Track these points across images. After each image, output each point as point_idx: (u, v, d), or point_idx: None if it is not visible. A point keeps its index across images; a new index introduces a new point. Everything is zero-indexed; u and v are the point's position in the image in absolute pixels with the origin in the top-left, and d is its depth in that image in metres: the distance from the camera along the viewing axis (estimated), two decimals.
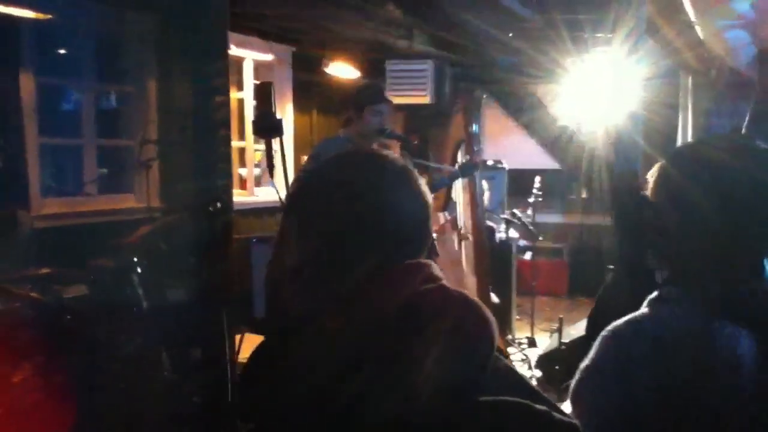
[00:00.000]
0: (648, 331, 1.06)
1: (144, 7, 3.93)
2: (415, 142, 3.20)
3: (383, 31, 4.60)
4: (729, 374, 1.00)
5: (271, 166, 2.03)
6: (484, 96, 5.13)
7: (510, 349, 4.65)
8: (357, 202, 0.89)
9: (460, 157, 3.83)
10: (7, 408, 2.39)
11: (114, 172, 4.25)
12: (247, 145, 5.18)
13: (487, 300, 3.66)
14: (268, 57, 5.22)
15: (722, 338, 1.01)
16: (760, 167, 1.07)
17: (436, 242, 3.16)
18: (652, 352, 1.04)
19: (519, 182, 5.78)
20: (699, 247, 1.07)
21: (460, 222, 4.12)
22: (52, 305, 2.87)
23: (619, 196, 2.97)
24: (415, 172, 0.95)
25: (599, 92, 4.61)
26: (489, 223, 4.68)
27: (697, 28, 3.11)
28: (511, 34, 4.52)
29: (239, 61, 5.05)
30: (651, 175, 1.24)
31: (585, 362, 1.10)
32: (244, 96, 5.10)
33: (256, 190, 5.23)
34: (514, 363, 4.50)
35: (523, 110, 6.18)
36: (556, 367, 3.95)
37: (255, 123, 2.05)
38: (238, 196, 5.07)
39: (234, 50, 4.82)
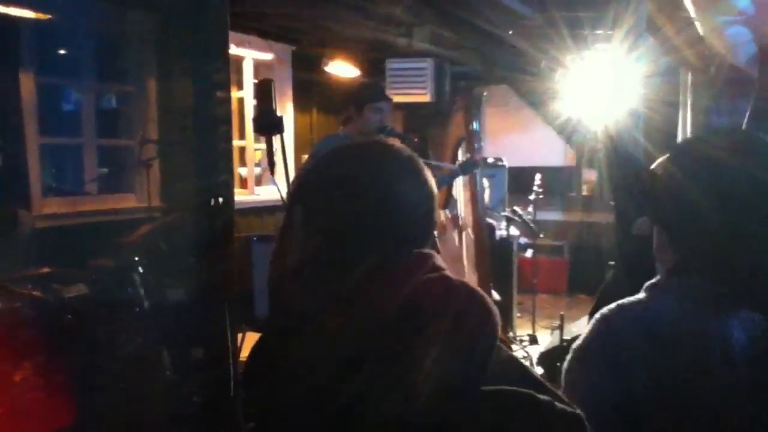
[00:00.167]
0: (638, 316, 1.07)
1: (143, 7, 3.93)
2: (415, 140, 3.20)
3: (383, 29, 4.60)
4: (718, 365, 1.00)
5: (272, 164, 2.02)
6: (485, 93, 5.12)
7: (512, 347, 4.65)
8: (360, 198, 0.89)
9: (461, 155, 3.83)
10: (8, 407, 2.39)
11: (114, 171, 4.26)
12: (248, 144, 5.18)
13: (489, 298, 3.66)
14: (268, 56, 5.22)
15: (714, 330, 1.02)
16: (759, 164, 1.07)
17: (437, 240, 3.15)
18: (641, 338, 1.04)
19: (519, 180, 5.77)
20: (698, 244, 1.07)
21: (461, 220, 4.12)
22: (52, 304, 2.87)
23: (620, 194, 2.97)
24: (420, 160, 0.95)
25: (599, 90, 4.61)
26: (489, 220, 4.67)
27: (697, 25, 3.11)
28: (511, 32, 4.52)
29: (239, 61, 5.05)
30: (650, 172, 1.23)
31: (577, 343, 1.11)
32: (244, 95, 5.10)
33: (257, 189, 5.23)
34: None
35: (542, 103, 6.17)
36: (558, 364, 3.94)
37: (255, 120, 2.05)
38: (239, 195, 5.07)
39: (234, 49, 4.82)
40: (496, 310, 0.84)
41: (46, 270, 2.98)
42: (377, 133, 3.00)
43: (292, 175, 2.24)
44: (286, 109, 5.39)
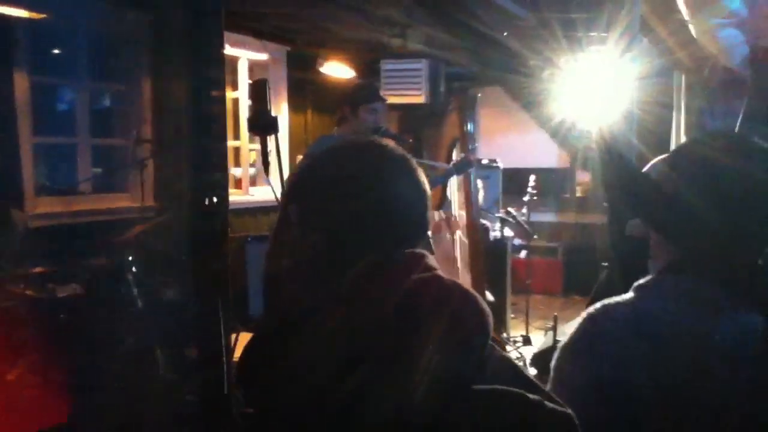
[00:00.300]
0: (626, 314, 1.08)
1: (138, 6, 3.92)
2: (410, 141, 3.20)
3: (377, 30, 4.61)
4: (712, 365, 1.01)
5: (266, 164, 2.03)
6: (479, 94, 5.14)
7: (505, 347, 4.66)
8: (355, 198, 0.89)
9: (455, 156, 3.83)
10: (2, 404, 2.39)
11: (109, 171, 4.25)
12: (242, 144, 5.18)
13: (483, 299, 3.67)
14: (263, 56, 5.22)
15: (708, 329, 1.02)
16: (755, 166, 1.07)
17: (431, 240, 3.16)
18: (628, 336, 1.05)
19: (514, 181, 5.79)
20: (694, 245, 1.08)
21: (455, 221, 4.13)
22: (46, 303, 2.87)
23: (614, 196, 2.98)
24: (414, 160, 0.95)
25: (593, 92, 4.63)
26: (484, 221, 4.68)
27: (691, 27, 3.13)
28: (505, 33, 4.53)
29: (234, 61, 5.05)
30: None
31: (563, 341, 1.12)
32: (239, 95, 5.10)
33: (251, 189, 5.23)
34: None
35: (536, 105, 6.19)
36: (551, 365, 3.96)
37: (250, 120, 2.05)
38: (234, 196, 5.06)
39: (229, 50, 4.82)
40: (488, 310, 0.85)
41: (39, 269, 2.98)
42: (372, 133, 3.00)
43: (286, 176, 2.24)
44: (281, 110, 5.39)
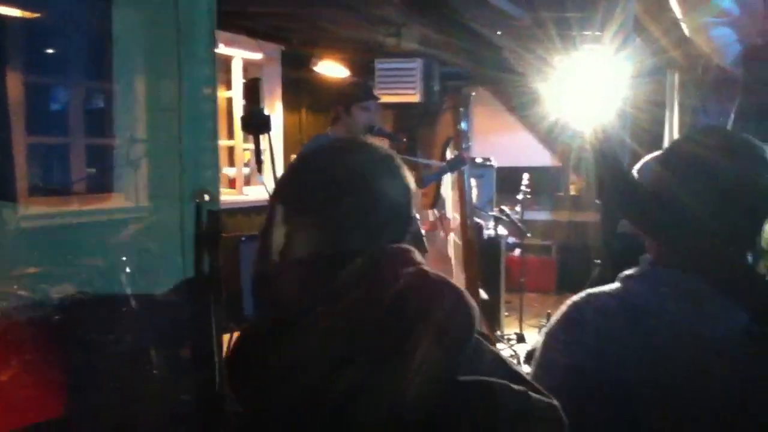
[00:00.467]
0: (608, 303, 1.09)
1: (132, 5, 3.91)
2: (404, 140, 3.22)
3: (372, 29, 4.61)
4: (693, 356, 1.02)
5: (259, 163, 2.03)
6: (473, 94, 5.15)
7: (499, 345, 4.67)
8: (340, 196, 0.90)
9: (449, 155, 3.84)
10: None
11: (103, 170, 4.24)
12: (236, 143, 5.18)
13: (476, 296, 3.68)
14: (257, 56, 5.22)
15: (692, 322, 1.03)
16: (746, 163, 1.08)
17: (425, 239, 3.17)
18: (610, 325, 1.06)
19: (508, 180, 5.80)
20: (682, 239, 1.09)
21: (449, 220, 4.14)
22: (39, 304, 2.86)
23: (606, 194, 2.99)
24: (398, 157, 0.96)
25: (587, 90, 4.64)
26: (477, 220, 4.70)
27: (683, 26, 3.14)
28: (499, 32, 4.54)
29: (228, 60, 5.05)
30: (637, 171, 1.25)
31: (545, 329, 1.14)
32: (233, 95, 5.09)
33: (245, 189, 5.23)
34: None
35: (528, 104, 6.20)
36: None
37: (243, 119, 2.05)
38: (228, 195, 5.06)
39: (223, 49, 4.81)
40: (474, 304, 0.86)
41: (32, 269, 2.96)
42: (366, 132, 3.01)
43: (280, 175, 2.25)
44: (275, 109, 5.39)
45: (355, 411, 0.79)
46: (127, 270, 3.28)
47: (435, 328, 0.82)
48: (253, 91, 1.86)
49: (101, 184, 4.17)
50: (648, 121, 4.37)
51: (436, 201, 4.12)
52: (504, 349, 4.69)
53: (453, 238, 4.12)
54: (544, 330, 1.16)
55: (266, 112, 1.87)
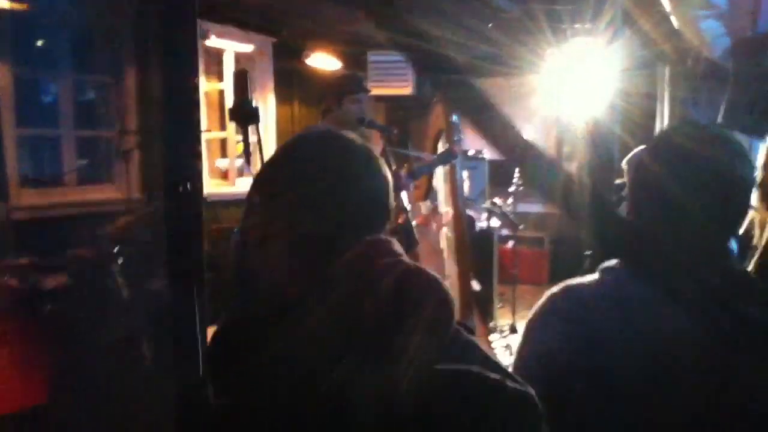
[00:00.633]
0: (585, 293, 1.11)
1: None
2: (395, 132, 3.22)
3: (363, 22, 4.60)
4: (665, 347, 1.03)
5: (248, 154, 2.04)
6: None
7: (492, 336, 4.69)
8: (319, 189, 0.91)
9: (441, 147, 3.85)
10: None
11: (94, 162, 4.24)
12: (228, 135, 5.17)
13: (467, 288, 3.70)
14: (249, 48, 5.21)
15: (663, 314, 1.05)
16: (727, 157, 1.10)
17: (415, 232, 3.18)
18: (582, 314, 1.08)
19: (500, 172, 5.82)
20: (661, 230, 1.10)
21: (441, 211, 4.15)
22: (30, 294, 2.87)
23: (595, 186, 3.01)
24: (373, 150, 0.97)
25: (579, 82, 4.65)
26: (470, 212, 4.71)
27: (673, 19, 3.15)
28: (490, 25, 4.55)
29: (219, 53, 5.04)
30: (626, 162, 1.27)
31: (527, 319, 1.16)
32: (225, 87, 5.08)
33: (238, 180, 5.23)
34: (496, 350, 4.55)
35: (517, 97, 6.18)
36: None
37: (231, 111, 2.06)
38: (220, 187, 5.06)
39: (214, 41, 4.81)
40: (451, 295, 0.87)
41: (24, 260, 2.97)
42: (356, 124, 3.01)
43: None
44: (267, 101, 5.39)
45: (347, 403, 0.80)
46: (120, 261, 3.29)
47: (423, 320, 0.83)
48: (241, 83, 1.87)
49: (93, 176, 4.17)
50: (639, 114, 4.39)
51: (428, 193, 4.12)
52: (497, 340, 4.71)
53: (445, 231, 4.14)
54: (526, 323, 1.17)
55: (254, 103, 1.88)
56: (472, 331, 0.93)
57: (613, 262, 1.15)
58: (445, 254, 4.14)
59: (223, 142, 5.21)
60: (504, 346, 4.61)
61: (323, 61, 5.51)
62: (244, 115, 1.87)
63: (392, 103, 6.43)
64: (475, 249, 4.22)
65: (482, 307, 4.64)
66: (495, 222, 5.25)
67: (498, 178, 5.85)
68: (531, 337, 1.13)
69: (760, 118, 2.59)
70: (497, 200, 5.09)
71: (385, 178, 0.96)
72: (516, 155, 1.04)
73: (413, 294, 0.85)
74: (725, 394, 1.02)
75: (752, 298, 1.06)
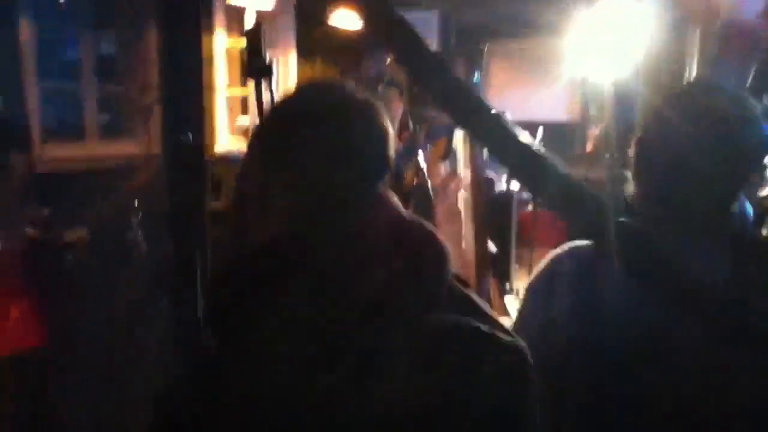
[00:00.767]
0: (586, 255, 1.10)
1: None
2: (414, 91, 3.19)
3: None
4: (658, 305, 1.02)
5: (260, 110, 2.03)
6: (486, 46, 5.07)
7: (508, 298, 4.70)
8: (317, 136, 0.90)
9: None
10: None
11: (115, 117, 4.27)
12: (249, 93, 5.15)
13: (484, 250, 3.70)
14: (270, 5, 5.15)
15: (665, 269, 1.04)
16: (743, 119, 1.07)
17: (432, 193, 3.17)
18: (586, 275, 1.07)
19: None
20: (657, 191, 1.09)
21: (460, 172, 4.13)
22: (52, 245, 2.94)
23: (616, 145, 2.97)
24: (377, 102, 0.96)
25: (607, 43, 4.54)
26: (490, 173, 4.67)
27: None
28: None
29: (241, 11, 4.99)
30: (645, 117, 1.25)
31: (529, 280, 1.15)
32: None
33: None
34: (511, 312, 4.57)
35: (543, 59, 6.05)
36: None
37: (245, 66, 2.05)
38: (241, 145, 5.07)
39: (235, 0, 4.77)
40: (448, 249, 0.87)
41: (45, 212, 3.03)
42: (375, 84, 2.99)
43: None
44: (288, 60, 5.35)
45: (332, 351, 0.80)
46: (139, 215, 3.34)
47: (415, 271, 0.84)
48: (254, 38, 1.85)
49: (114, 131, 4.21)
50: (668, 75, 4.28)
51: (447, 154, 4.10)
52: (513, 302, 4.72)
53: (463, 193, 4.12)
54: (528, 284, 1.17)
55: (268, 58, 1.87)
56: (466, 284, 0.93)
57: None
58: (463, 216, 4.12)
59: (244, 100, 5.20)
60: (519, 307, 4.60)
61: (346, 20, 5.44)
62: (257, 69, 1.86)
63: None
64: (493, 211, 4.19)
65: (499, 269, 4.63)
66: (515, 185, 5.19)
67: None
68: (533, 302, 1.12)
69: None
70: None
71: (384, 128, 0.95)
72: (518, 167, 1.02)
73: (407, 245, 0.85)
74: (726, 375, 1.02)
75: (760, 269, 1.05)
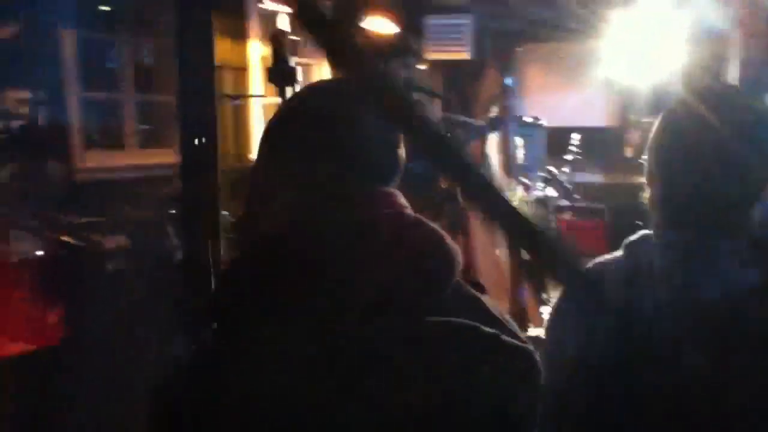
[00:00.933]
0: (611, 270, 1.07)
1: None
2: (440, 96, 3.17)
3: None
4: (691, 316, 0.99)
5: None
6: (520, 50, 5.02)
7: (544, 308, 4.63)
8: (327, 136, 0.89)
9: (494, 112, 3.78)
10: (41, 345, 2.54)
11: (154, 126, 4.36)
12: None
13: (518, 259, 3.66)
14: None
15: (686, 283, 1.01)
16: (755, 122, 1.04)
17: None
18: (613, 291, 1.04)
19: (560, 140, 5.67)
20: (704, 189, 1.06)
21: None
22: (91, 252, 3.01)
23: None
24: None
25: (646, 47, 4.45)
26: (524, 180, 4.62)
27: None
28: None
29: (272, 16, 5.04)
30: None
31: (556, 299, 1.13)
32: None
33: None
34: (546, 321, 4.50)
35: (579, 63, 5.98)
36: None
37: (269, 71, 2.07)
38: None
39: (267, 4, 4.81)
40: (455, 249, 0.85)
41: (84, 220, 3.11)
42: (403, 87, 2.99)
43: None
44: (321, 66, 5.38)
45: (333, 349, 0.79)
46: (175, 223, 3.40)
47: (419, 272, 0.83)
48: (279, 44, 1.87)
49: (153, 140, 4.29)
50: (711, 77, 4.18)
51: (481, 160, 4.07)
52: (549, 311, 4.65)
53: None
54: (554, 303, 1.15)
55: (292, 64, 1.88)
56: (481, 289, 0.91)
57: (637, 235, 1.11)
58: None
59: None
60: None
61: (379, 25, 5.45)
62: (281, 76, 1.87)
63: (450, 67, 6.31)
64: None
65: (535, 278, 4.58)
66: (552, 191, 5.13)
67: (557, 146, 5.70)
68: (556, 323, 1.10)
69: None
70: (553, 169, 4.96)
71: (393, 128, 0.94)
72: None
73: (411, 246, 0.84)
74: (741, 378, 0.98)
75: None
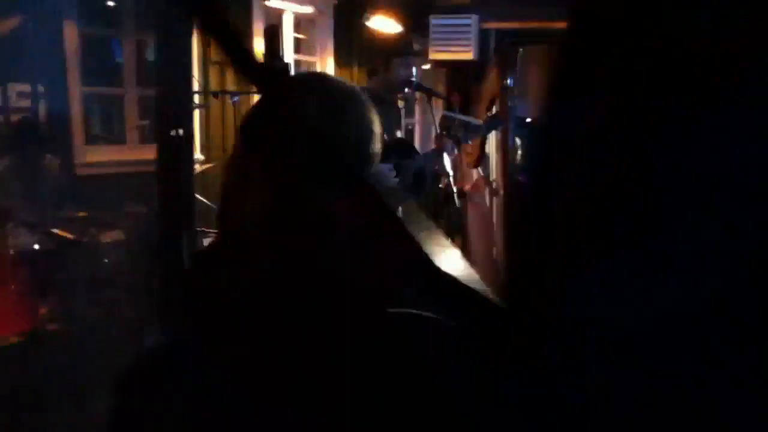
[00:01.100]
0: None
1: None
2: (442, 96, 3.18)
3: None
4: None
5: None
6: (521, 50, 5.01)
7: None
8: (303, 129, 0.89)
9: (495, 112, 3.78)
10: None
11: (154, 122, 4.38)
12: None
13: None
14: (309, 9, 5.20)
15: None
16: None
17: (457, 197, 3.14)
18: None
19: None
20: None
21: (493, 178, 4.10)
22: (87, 246, 3.02)
23: None
24: (364, 96, 0.94)
25: None
26: (523, 179, 4.62)
27: None
28: None
29: (279, 14, 5.05)
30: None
31: None
32: (282, 49, 5.10)
33: None
34: None
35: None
36: None
37: (261, 66, 2.07)
38: None
39: (273, 2, 4.82)
40: (421, 246, 0.86)
41: (82, 214, 3.13)
42: (402, 86, 3.00)
43: None
44: (327, 64, 5.40)
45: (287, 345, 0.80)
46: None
47: (377, 266, 0.84)
48: (271, 39, 1.87)
49: (153, 135, 4.30)
50: None
51: (481, 160, 4.07)
52: None
53: (496, 198, 4.08)
54: None
55: (285, 60, 1.89)
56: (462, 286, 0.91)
57: None
58: (495, 220, 4.08)
59: None
60: None
61: (384, 24, 5.45)
62: (273, 70, 1.88)
63: (453, 67, 6.30)
64: None
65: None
66: None
67: None
68: None
69: None
70: None
71: (369, 122, 0.93)
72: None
73: (376, 241, 0.85)
74: None
75: None
